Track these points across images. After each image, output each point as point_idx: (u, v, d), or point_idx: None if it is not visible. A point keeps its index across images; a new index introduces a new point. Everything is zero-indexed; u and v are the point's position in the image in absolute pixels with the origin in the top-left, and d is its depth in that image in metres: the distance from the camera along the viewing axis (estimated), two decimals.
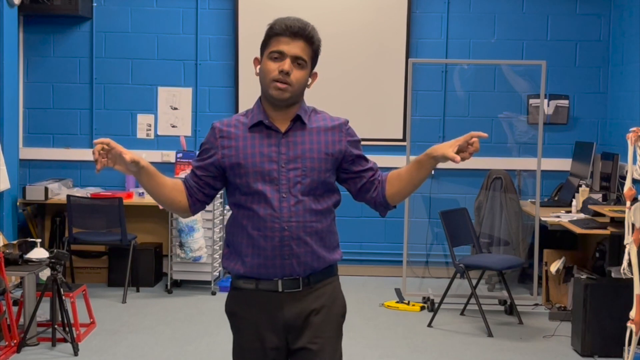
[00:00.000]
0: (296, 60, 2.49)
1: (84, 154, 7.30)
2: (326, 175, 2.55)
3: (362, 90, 7.21)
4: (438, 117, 7.31)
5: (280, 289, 2.52)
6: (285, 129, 2.53)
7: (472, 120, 7.28)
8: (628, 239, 3.97)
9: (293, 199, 2.49)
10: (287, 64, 2.47)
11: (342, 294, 2.66)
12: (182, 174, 6.69)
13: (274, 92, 2.50)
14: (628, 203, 3.98)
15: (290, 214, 2.48)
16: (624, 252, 4.01)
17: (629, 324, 3.99)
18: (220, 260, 6.80)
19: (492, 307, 6.14)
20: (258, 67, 2.57)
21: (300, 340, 2.53)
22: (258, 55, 2.61)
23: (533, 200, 6.53)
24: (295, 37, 2.50)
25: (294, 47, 2.49)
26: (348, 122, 2.65)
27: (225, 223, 6.84)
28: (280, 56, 2.49)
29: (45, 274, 5.35)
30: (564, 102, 7.26)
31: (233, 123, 2.58)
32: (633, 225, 3.97)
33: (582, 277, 5.30)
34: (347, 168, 2.63)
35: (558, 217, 6.03)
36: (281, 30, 2.50)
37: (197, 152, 2.66)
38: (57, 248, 6.37)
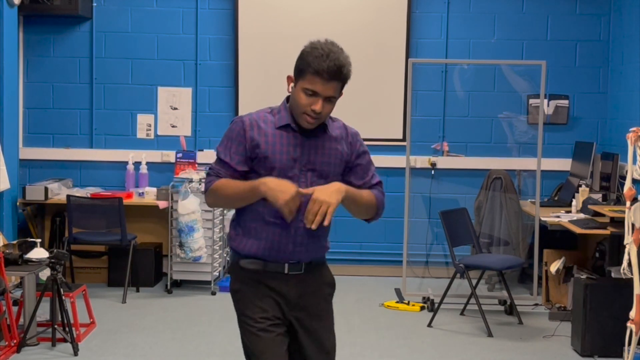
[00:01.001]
0: (328, 98, 2.65)
1: (84, 154, 7.31)
2: (338, 178, 2.76)
3: (362, 90, 7.19)
4: (438, 117, 7.31)
5: (286, 271, 2.74)
6: (309, 133, 2.72)
7: (472, 120, 7.29)
8: (628, 239, 3.97)
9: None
10: (319, 105, 2.63)
11: (329, 271, 2.92)
12: (182, 174, 6.69)
13: (303, 123, 2.68)
14: (628, 203, 3.98)
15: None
16: (624, 252, 4.02)
17: (629, 324, 3.99)
18: (220, 260, 6.83)
19: (492, 307, 6.14)
20: (291, 85, 2.71)
21: (300, 317, 2.78)
22: (291, 73, 2.72)
23: (533, 200, 6.52)
24: (331, 79, 2.62)
25: (329, 89, 2.63)
26: (359, 134, 2.87)
27: (225, 223, 6.85)
28: (314, 94, 2.63)
29: (45, 274, 5.35)
30: (564, 102, 7.26)
31: (262, 118, 2.73)
32: (633, 225, 3.97)
33: (582, 277, 5.30)
34: (344, 175, 2.82)
35: (558, 217, 6.03)
36: (318, 71, 2.60)
37: (223, 149, 2.74)
38: (57, 248, 6.36)
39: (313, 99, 2.62)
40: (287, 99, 2.76)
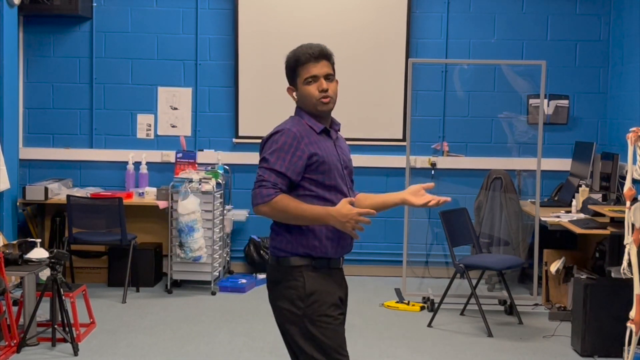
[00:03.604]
0: (327, 76, 2.95)
1: (84, 154, 7.31)
2: None
3: (362, 90, 7.20)
4: (438, 117, 7.31)
5: (341, 266, 3.01)
6: (334, 136, 3.02)
7: (472, 120, 7.29)
8: (628, 239, 3.98)
9: (352, 192, 3.04)
10: (323, 83, 2.93)
11: None
12: (182, 174, 6.69)
13: (322, 107, 2.94)
14: (628, 203, 3.98)
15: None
16: (624, 252, 4.02)
17: (629, 324, 4.00)
18: (219, 260, 6.82)
19: (492, 307, 6.14)
20: (294, 93, 3.00)
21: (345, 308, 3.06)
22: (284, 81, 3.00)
23: (533, 200, 6.52)
24: (318, 59, 2.94)
25: (322, 68, 2.95)
26: None
27: (225, 223, 6.85)
28: (315, 79, 2.93)
29: (45, 274, 5.35)
30: (564, 102, 7.27)
31: (301, 128, 2.91)
32: (633, 225, 3.97)
33: (582, 277, 5.30)
34: None
35: (558, 217, 6.03)
36: (306, 59, 2.93)
37: (276, 161, 2.84)
38: (57, 248, 6.36)
39: (316, 84, 2.92)
40: (297, 111, 2.98)
